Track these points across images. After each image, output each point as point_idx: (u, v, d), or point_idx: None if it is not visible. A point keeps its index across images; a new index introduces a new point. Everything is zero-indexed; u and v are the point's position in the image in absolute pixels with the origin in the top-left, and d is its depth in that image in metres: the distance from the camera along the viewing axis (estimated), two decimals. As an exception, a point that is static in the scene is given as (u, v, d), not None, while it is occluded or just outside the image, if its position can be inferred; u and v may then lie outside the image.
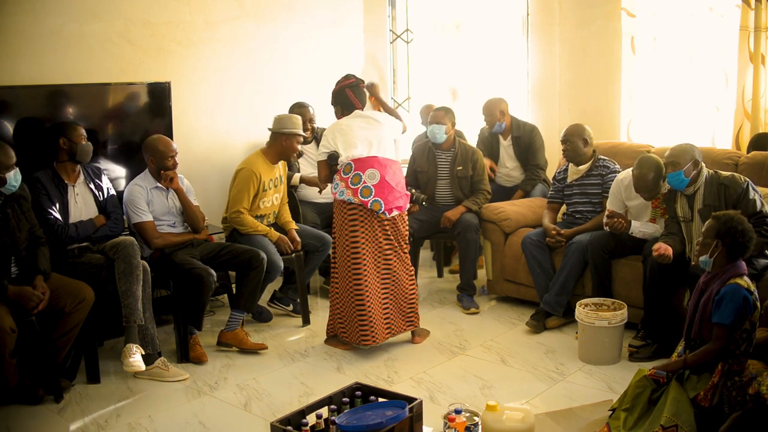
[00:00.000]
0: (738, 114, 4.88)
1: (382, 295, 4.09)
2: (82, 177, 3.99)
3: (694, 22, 5.07)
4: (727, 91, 4.98)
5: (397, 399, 2.95)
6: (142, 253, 3.93)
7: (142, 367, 3.65)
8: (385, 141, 4.12)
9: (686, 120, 5.19)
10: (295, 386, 3.72)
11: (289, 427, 2.74)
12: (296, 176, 5.02)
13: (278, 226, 4.66)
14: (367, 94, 4.28)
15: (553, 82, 5.76)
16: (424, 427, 2.95)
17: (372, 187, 3.97)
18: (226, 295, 4.85)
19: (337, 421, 2.76)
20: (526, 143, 5.25)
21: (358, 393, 3.00)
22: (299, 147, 4.57)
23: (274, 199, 4.58)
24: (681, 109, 5.22)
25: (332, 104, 4.27)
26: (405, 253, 4.18)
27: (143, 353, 3.68)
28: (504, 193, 5.32)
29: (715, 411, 2.79)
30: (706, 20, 5.02)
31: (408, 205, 4.20)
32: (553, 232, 4.48)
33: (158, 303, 4.10)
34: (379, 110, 4.38)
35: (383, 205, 3.97)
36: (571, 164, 4.61)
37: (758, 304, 2.91)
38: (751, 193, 3.63)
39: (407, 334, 4.30)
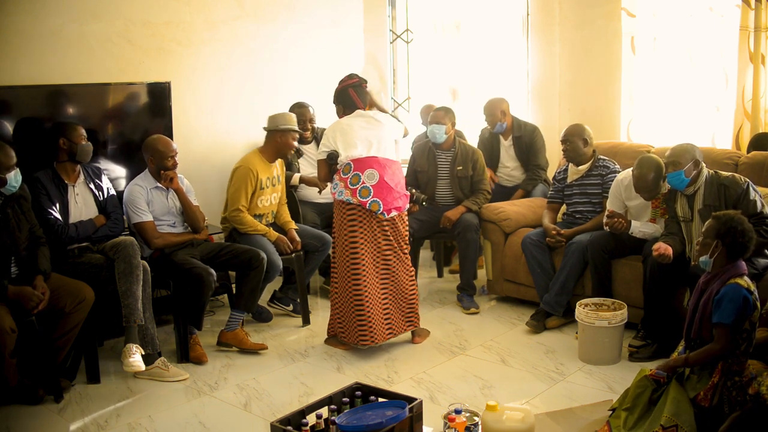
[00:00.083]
0: (738, 114, 4.88)
1: (381, 296, 4.09)
2: (82, 177, 3.99)
3: (694, 22, 5.06)
4: (727, 91, 4.98)
5: (397, 399, 2.95)
6: (142, 253, 3.93)
7: (142, 367, 3.65)
8: (386, 141, 4.11)
9: (686, 120, 5.19)
10: (295, 386, 3.72)
11: (289, 427, 2.73)
12: (296, 176, 5.02)
13: (278, 227, 4.66)
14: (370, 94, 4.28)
15: (553, 82, 5.76)
16: (424, 427, 2.94)
17: (371, 187, 3.96)
18: (226, 295, 4.85)
19: (337, 421, 2.76)
20: (527, 143, 5.25)
21: (358, 393, 3.00)
22: (299, 147, 4.57)
23: (272, 199, 4.57)
24: (681, 109, 5.21)
25: (334, 103, 4.27)
26: (405, 253, 4.17)
27: (143, 353, 3.68)
28: (504, 192, 5.32)
29: (715, 411, 2.80)
30: (706, 20, 5.01)
31: (408, 205, 4.20)
32: (553, 232, 4.48)
33: (158, 303, 4.10)
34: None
35: (382, 206, 3.97)
36: (571, 164, 4.61)
37: (758, 304, 2.91)
38: (752, 194, 3.63)
39: (407, 334, 4.30)
